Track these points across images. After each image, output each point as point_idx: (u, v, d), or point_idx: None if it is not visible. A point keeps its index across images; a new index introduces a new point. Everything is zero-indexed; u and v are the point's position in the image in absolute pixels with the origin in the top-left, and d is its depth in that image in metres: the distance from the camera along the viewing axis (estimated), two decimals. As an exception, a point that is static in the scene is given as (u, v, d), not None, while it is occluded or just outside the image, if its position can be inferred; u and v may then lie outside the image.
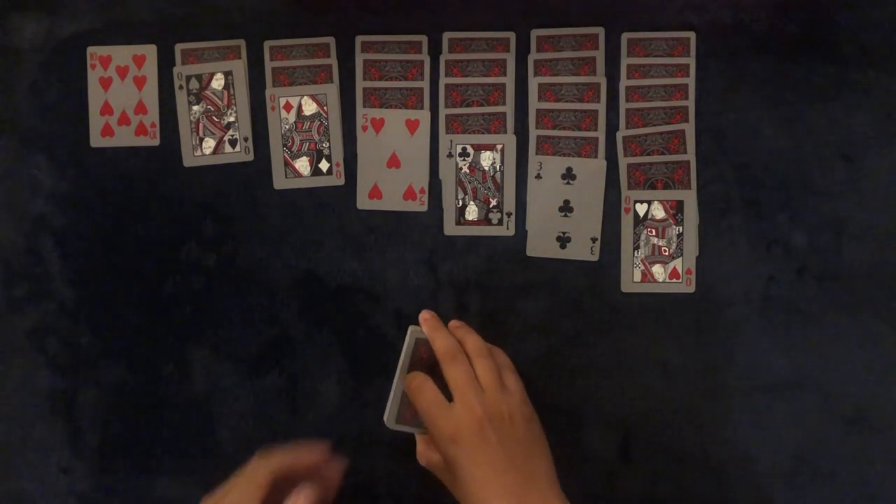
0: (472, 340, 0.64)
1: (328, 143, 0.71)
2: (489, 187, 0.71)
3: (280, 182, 0.72)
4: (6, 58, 0.72)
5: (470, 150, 0.71)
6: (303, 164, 0.71)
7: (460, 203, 0.71)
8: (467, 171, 0.70)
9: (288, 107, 0.72)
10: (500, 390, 0.61)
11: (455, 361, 0.62)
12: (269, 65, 0.72)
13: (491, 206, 0.70)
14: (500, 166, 0.70)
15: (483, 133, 0.71)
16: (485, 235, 0.70)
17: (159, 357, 0.71)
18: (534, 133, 0.71)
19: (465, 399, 0.59)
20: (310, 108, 0.72)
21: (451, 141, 0.70)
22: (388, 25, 0.72)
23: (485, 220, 0.70)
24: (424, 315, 0.65)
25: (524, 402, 0.62)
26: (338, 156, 0.71)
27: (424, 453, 0.64)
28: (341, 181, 0.71)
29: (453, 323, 0.66)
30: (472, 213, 0.71)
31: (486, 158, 0.71)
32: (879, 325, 0.69)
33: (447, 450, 0.59)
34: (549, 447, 0.61)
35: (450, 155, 0.71)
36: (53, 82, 0.72)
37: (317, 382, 0.70)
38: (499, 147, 0.70)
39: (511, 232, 0.70)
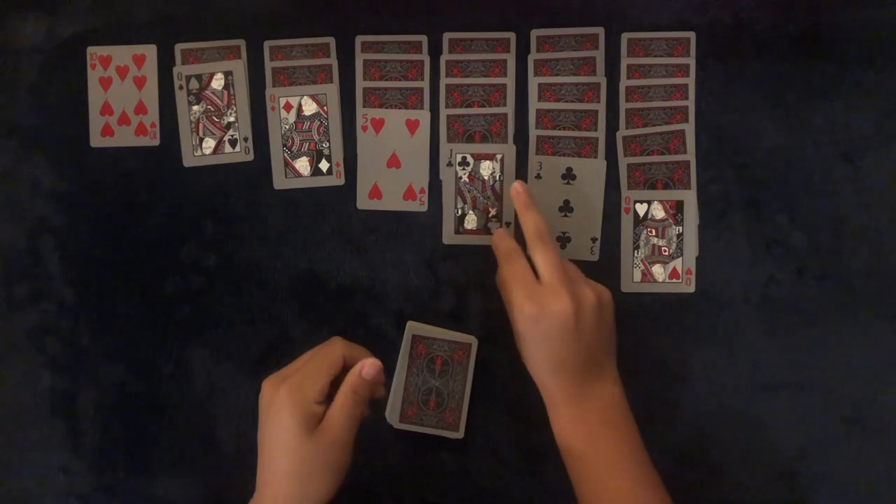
0: (532, 225, 0.64)
1: (328, 143, 0.71)
2: (489, 197, 0.71)
3: (280, 182, 0.72)
4: (6, 58, 0.72)
5: (470, 159, 0.71)
6: (303, 164, 0.71)
7: (459, 212, 0.71)
8: (467, 179, 0.70)
9: (288, 107, 0.72)
10: (585, 282, 0.63)
11: (545, 244, 0.62)
12: (268, 65, 0.72)
13: (490, 215, 0.70)
14: (499, 176, 0.70)
15: (484, 133, 0.71)
16: (484, 244, 0.70)
17: (159, 357, 0.71)
18: (534, 133, 0.71)
19: (554, 284, 0.61)
20: (310, 108, 0.72)
21: (452, 150, 0.70)
22: (388, 25, 0.72)
23: (484, 229, 0.70)
24: (517, 188, 0.65)
25: (606, 293, 0.63)
26: (338, 156, 0.71)
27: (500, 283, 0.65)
28: (341, 181, 0.71)
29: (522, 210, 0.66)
30: (470, 222, 0.70)
31: (486, 168, 0.71)
32: (879, 325, 0.69)
33: (525, 328, 0.61)
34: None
35: (449, 164, 0.70)
36: (53, 82, 0.72)
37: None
38: (498, 157, 0.70)
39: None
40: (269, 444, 0.57)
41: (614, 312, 0.64)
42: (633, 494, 0.59)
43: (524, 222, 0.64)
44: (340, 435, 0.57)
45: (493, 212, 0.70)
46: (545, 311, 0.60)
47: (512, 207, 0.70)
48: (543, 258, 0.62)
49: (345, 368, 0.60)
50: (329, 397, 0.58)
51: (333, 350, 0.60)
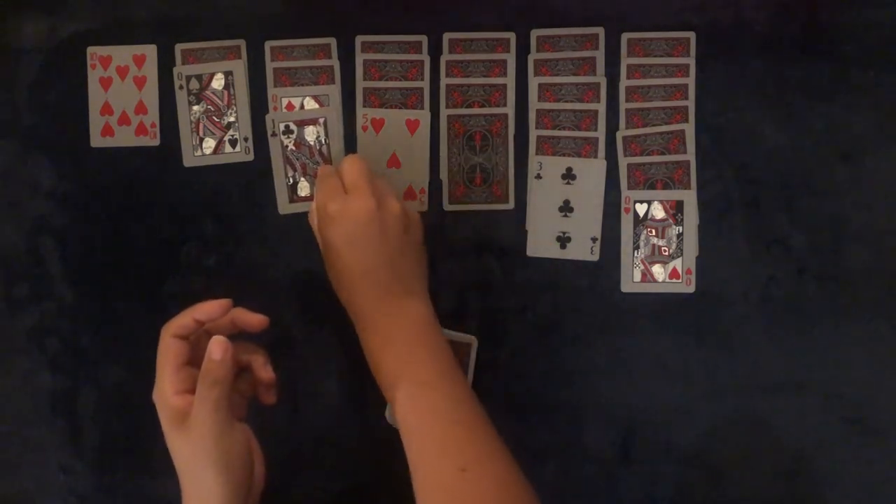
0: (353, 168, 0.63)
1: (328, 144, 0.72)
2: (318, 161, 0.70)
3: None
4: (6, 58, 0.72)
5: (293, 126, 0.70)
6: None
7: (291, 181, 0.71)
8: (293, 147, 0.70)
9: (290, 107, 0.72)
10: (393, 199, 0.62)
11: (354, 160, 0.63)
12: (270, 65, 0.72)
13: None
14: (325, 139, 0.70)
15: (485, 133, 0.71)
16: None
17: (159, 357, 0.71)
18: (534, 133, 0.71)
19: (358, 186, 0.61)
20: (311, 108, 0.72)
21: (273, 120, 0.70)
22: (388, 25, 0.72)
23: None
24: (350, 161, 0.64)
25: (402, 203, 0.63)
26: (338, 156, 0.71)
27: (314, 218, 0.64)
28: (341, 181, 0.71)
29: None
30: (303, 189, 0.70)
31: (311, 133, 0.71)
32: (879, 325, 0.69)
33: (328, 230, 0.60)
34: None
35: (273, 134, 0.70)
36: (53, 82, 0.72)
37: (317, 382, 0.70)
38: (321, 121, 0.70)
39: None
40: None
41: (424, 236, 0.64)
42: (445, 411, 0.57)
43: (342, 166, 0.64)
44: (203, 423, 0.54)
45: None
46: (347, 209, 0.59)
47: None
48: (349, 166, 0.62)
49: (202, 340, 0.57)
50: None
51: (161, 338, 0.57)
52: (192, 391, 0.55)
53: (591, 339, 0.70)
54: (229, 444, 0.55)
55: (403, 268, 0.61)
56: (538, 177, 0.71)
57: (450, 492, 0.53)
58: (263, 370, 0.60)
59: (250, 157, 0.72)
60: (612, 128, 0.71)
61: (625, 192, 0.70)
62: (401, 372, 0.58)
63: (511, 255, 0.70)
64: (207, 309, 0.57)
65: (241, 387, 0.60)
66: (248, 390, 0.60)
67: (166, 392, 0.56)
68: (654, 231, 0.70)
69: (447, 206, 0.71)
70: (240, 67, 0.72)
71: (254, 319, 0.59)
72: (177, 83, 0.72)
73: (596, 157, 0.71)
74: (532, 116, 0.71)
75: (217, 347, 0.55)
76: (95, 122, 0.72)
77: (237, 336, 0.59)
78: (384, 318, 0.60)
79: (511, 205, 0.70)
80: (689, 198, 0.70)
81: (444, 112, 0.71)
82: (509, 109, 0.71)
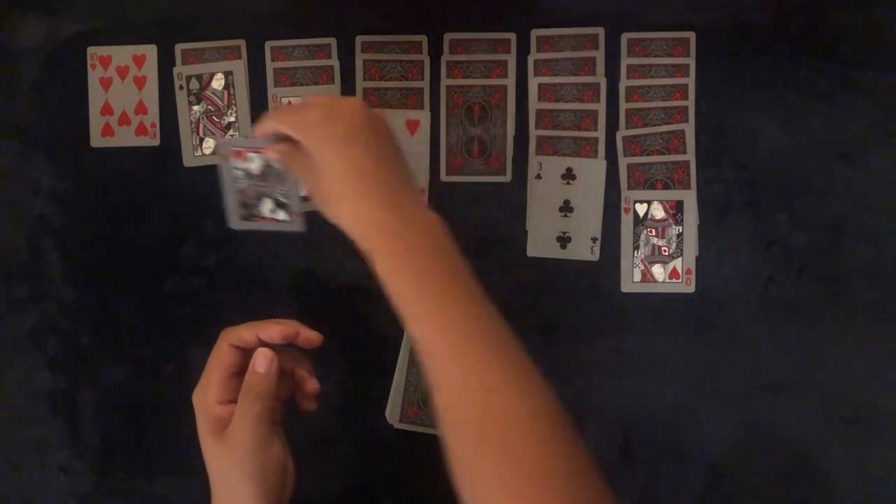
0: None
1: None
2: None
3: (280, 182, 0.72)
4: (6, 58, 0.72)
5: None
6: (303, 164, 0.71)
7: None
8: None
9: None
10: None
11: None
12: (270, 65, 0.72)
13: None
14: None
15: (483, 104, 0.71)
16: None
17: (159, 357, 0.71)
18: (534, 133, 0.71)
19: (332, 99, 0.58)
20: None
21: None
22: (388, 25, 0.72)
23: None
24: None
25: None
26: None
27: (284, 150, 0.58)
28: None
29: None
30: (303, 189, 0.70)
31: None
32: (879, 326, 0.69)
33: (321, 133, 0.54)
34: None
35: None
36: (53, 82, 0.72)
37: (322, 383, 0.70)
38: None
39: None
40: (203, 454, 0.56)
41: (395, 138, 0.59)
42: (470, 328, 0.51)
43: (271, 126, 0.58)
44: (243, 437, 0.53)
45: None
46: (335, 107, 0.55)
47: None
48: (305, 97, 0.61)
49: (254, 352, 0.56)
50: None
51: (219, 344, 0.56)
52: (236, 401, 0.54)
53: (591, 339, 0.70)
54: (267, 457, 0.54)
55: (404, 171, 0.55)
56: (538, 177, 0.71)
57: (477, 414, 0.48)
58: (309, 382, 0.58)
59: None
60: (612, 128, 0.71)
61: (625, 192, 0.70)
62: (423, 287, 0.52)
63: (511, 255, 0.70)
64: (275, 332, 0.55)
65: (280, 391, 0.58)
66: (286, 394, 0.59)
67: (210, 399, 0.55)
68: (654, 231, 0.70)
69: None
70: (240, 67, 0.72)
71: (311, 336, 0.57)
72: (177, 83, 0.72)
73: (596, 157, 0.71)
74: (532, 116, 0.71)
75: (263, 360, 0.54)
76: (95, 122, 0.72)
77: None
78: (400, 228, 0.53)
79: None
80: (689, 198, 0.70)
81: (445, 112, 0.71)
82: (509, 109, 0.71)
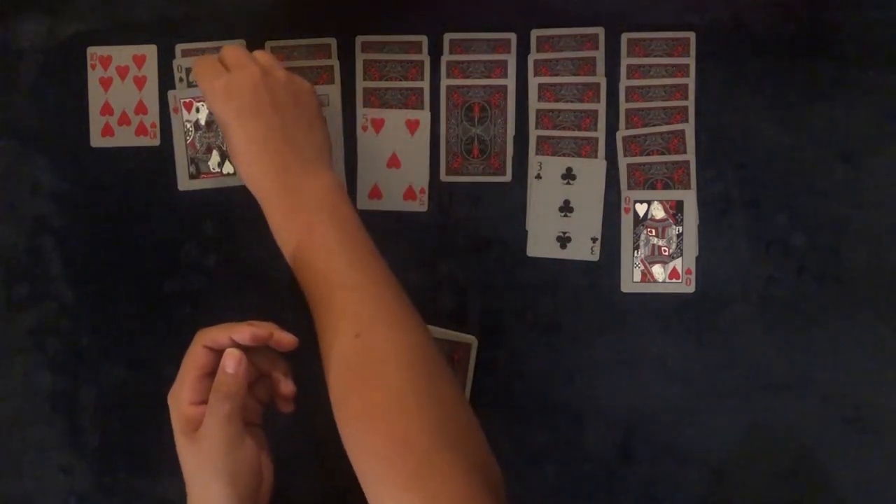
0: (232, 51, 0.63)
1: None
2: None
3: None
4: (6, 58, 0.72)
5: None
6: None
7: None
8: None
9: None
10: (278, 68, 0.62)
11: (228, 46, 0.63)
12: (269, 65, 0.72)
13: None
14: None
15: (483, 104, 0.71)
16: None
17: (159, 357, 0.71)
18: (534, 133, 0.71)
19: (239, 62, 0.61)
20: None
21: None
22: (388, 25, 0.72)
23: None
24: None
25: (300, 80, 0.63)
26: (338, 156, 0.71)
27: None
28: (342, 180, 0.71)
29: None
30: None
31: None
32: (879, 326, 0.69)
33: (220, 107, 0.60)
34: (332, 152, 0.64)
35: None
36: (53, 82, 0.72)
37: (317, 382, 0.70)
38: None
39: None
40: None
41: (319, 109, 0.63)
42: (344, 276, 0.56)
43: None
44: (213, 437, 0.54)
45: None
46: (232, 81, 0.59)
47: (340, 168, 0.70)
48: (228, 49, 0.62)
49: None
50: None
51: (192, 345, 0.56)
52: (207, 402, 0.55)
53: (591, 339, 0.70)
54: (238, 457, 0.54)
55: (299, 138, 0.60)
56: (538, 177, 0.71)
57: (345, 358, 0.53)
58: (284, 383, 0.58)
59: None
60: (612, 128, 0.71)
61: (625, 192, 0.70)
62: (301, 241, 0.57)
63: (511, 255, 0.70)
64: (248, 334, 0.56)
65: (259, 393, 0.58)
66: (265, 396, 0.59)
67: (182, 400, 0.55)
68: (654, 231, 0.70)
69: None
70: (240, 67, 0.72)
71: (284, 338, 0.57)
72: (177, 76, 0.72)
73: (596, 157, 0.71)
74: (532, 116, 0.71)
75: (231, 361, 0.54)
76: (95, 122, 0.72)
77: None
78: (284, 192, 0.59)
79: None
80: (689, 198, 0.70)
81: (444, 83, 0.71)
82: (509, 109, 0.71)
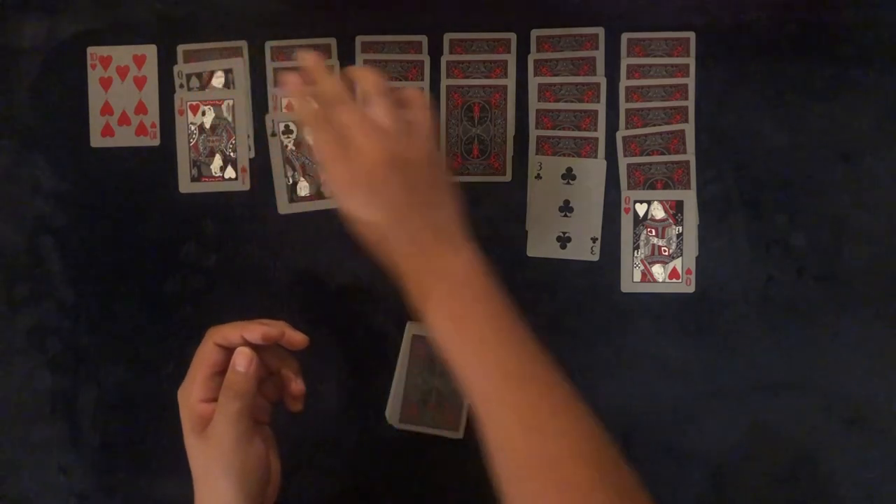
0: (371, 79, 0.56)
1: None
2: (318, 162, 0.70)
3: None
4: (6, 58, 0.72)
5: (293, 126, 0.70)
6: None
7: (290, 181, 0.71)
8: (293, 147, 0.70)
9: (290, 107, 0.72)
10: (403, 131, 0.55)
11: (344, 104, 0.55)
12: (270, 65, 0.72)
13: (322, 179, 0.70)
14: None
15: (483, 104, 0.71)
16: (320, 210, 0.70)
17: (159, 357, 0.71)
18: (534, 133, 0.71)
19: (360, 141, 0.53)
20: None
21: (273, 120, 0.70)
22: (388, 25, 0.72)
23: (317, 194, 0.70)
24: (305, 57, 0.57)
25: (430, 141, 0.56)
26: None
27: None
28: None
29: (350, 68, 0.60)
30: (303, 189, 0.70)
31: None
32: (879, 326, 0.69)
33: (344, 198, 0.54)
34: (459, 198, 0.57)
35: (273, 134, 0.70)
36: (53, 82, 0.72)
37: (317, 382, 0.70)
38: None
39: None
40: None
41: (444, 168, 0.57)
42: (511, 369, 0.51)
43: (320, 88, 0.56)
44: (222, 435, 0.53)
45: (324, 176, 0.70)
46: (357, 164, 0.53)
47: None
48: (345, 117, 0.54)
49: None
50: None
51: (203, 342, 0.56)
52: (217, 400, 0.55)
53: (591, 339, 0.70)
54: (247, 455, 0.54)
55: (431, 212, 0.54)
56: (538, 177, 0.71)
57: (516, 453, 0.49)
58: (294, 382, 0.58)
59: (251, 156, 0.72)
60: (612, 128, 0.71)
61: (625, 192, 0.70)
62: (449, 328, 0.52)
63: (511, 255, 0.70)
64: (259, 333, 0.55)
65: (268, 391, 0.58)
66: (274, 395, 0.59)
67: (192, 397, 0.55)
68: (654, 231, 0.70)
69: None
70: (239, 64, 0.72)
71: (296, 338, 0.57)
72: (177, 82, 0.72)
73: (596, 157, 0.71)
74: (532, 116, 0.71)
75: (242, 359, 0.54)
76: (95, 122, 0.72)
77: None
78: (421, 274, 0.54)
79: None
80: (689, 198, 0.70)
81: (444, 83, 0.71)
82: (509, 109, 0.71)
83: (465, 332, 0.52)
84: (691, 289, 0.70)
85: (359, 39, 0.72)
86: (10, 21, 0.72)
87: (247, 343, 0.56)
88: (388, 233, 0.54)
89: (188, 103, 0.71)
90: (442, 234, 0.55)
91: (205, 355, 0.56)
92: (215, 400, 0.55)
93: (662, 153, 0.70)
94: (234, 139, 0.71)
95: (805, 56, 0.70)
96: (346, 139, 0.54)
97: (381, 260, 0.56)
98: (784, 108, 0.70)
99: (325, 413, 0.70)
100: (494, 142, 0.70)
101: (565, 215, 0.70)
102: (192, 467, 0.55)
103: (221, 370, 0.56)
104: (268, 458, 0.56)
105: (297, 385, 0.58)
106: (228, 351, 0.56)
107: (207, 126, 0.71)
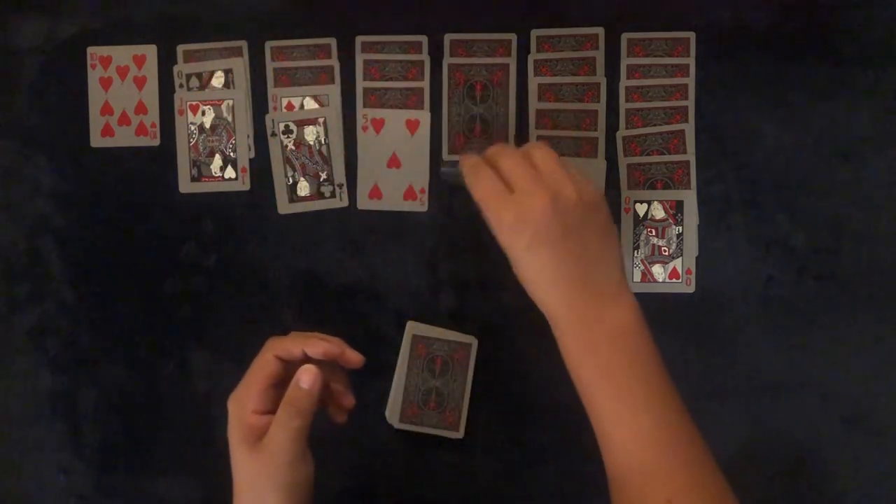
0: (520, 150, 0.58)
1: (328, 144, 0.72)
2: (317, 161, 0.70)
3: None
4: (6, 58, 0.72)
5: (293, 126, 0.70)
6: (303, 164, 0.72)
7: (290, 181, 0.71)
8: (293, 147, 0.70)
9: (290, 107, 0.72)
10: (569, 178, 0.56)
11: (506, 154, 0.57)
12: (270, 65, 0.72)
13: (321, 179, 0.70)
14: (324, 139, 0.70)
15: (485, 83, 0.71)
16: (319, 210, 0.70)
17: (159, 357, 0.71)
18: (534, 133, 0.71)
19: (526, 185, 0.55)
20: (311, 108, 0.72)
21: (273, 120, 0.70)
22: (388, 25, 0.72)
23: (317, 194, 0.70)
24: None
25: (594, 188, 0.57)
26: (338, 156, 0.71)
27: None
28: (341, 180, 0.71)
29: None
30: (303, 189, 0.70)
31: (310, 133, 0.71)
32: (879, 326, 0.69)
33: (508, 240, 0.56)
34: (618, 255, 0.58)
35: (273, 134, 0.70)
36: (53, 82, 0.72)
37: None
38: (321, 120, 0.70)
39: (345, 203, 0.70)
40: (230, 458, 0.55)
41: (610, 215, 0.58)
42: (652, 434, 0.53)
43: (487, 152, 0.59)
44: (279, 451, 0.53)
45: (323, 175, 0.70)
46: (522, 215, 0.54)
47: (342, 168, 0.70)
48: (509, 163, 0.56)
49: (297, 365, 0.55)
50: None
51: (263, 353, 0.56)
52: (274, 412, 0.54)
53: (591, 339, 0.69)
54: (300, 471, 0.54)
55: (592, 263, 0.55)
56: (538, 177, 0.70)
57: None
58: (346, 396, 0.59)
59: (251, 156, 0.72)
60: (612, 128, 0.71)
61: (625, 192, 0.70)
62: (600, 384, 0.54)
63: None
64: (321, 349, 0.55)
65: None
66: (317, 406, 0.58)
67: (246, 407, 0.54)
68: (654, 231, 0.70)
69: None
70: (239, 64, 0.72)
71: (354, 357, 0.57)
72: (177, 82, 0.72)
73: (596, 157, 0.71)
74: (532, 116, 0.71)
75: (308, 377, 0.54)
76: (95, 122, 0.72)
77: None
78: (580, 324, 0.55)
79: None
80: (689, 198, 0.70)
81: (445, 112, 0.71)
82: (510, 109, 0.71)
83: (613, 386, 0.54)
84: (691, 289, 0.70)
85: (359, 39, 0.72)
86: (10, 21, 0.72)
87: (308, 357, 0.55)
88: (548, 275, 0.55)
89: (188, 103, 0.71)
90: (602, 282, 0.56)
91: (263, 366, 0.55)
92: (269, 412, 0.54)
93: (662, 153, 0.70)
94: (234, 139, 0.71)
95: (805, 56, 0.70)
96: (511, 183, 0.56)
97: (536, 300, 0.57)
98: (784, 108, 0.70)
99: (324, 413, 0.70)
100: (496, 121, 0.69)
101: (565, 215, 0.70)
102: (237, 477, 0.55)
103: (278, 382, 0.55)
104: (314, 475, 0.56)
105: (348, 399, 0.59)
106: (287, 363, 0.55)
107: (207, 126, 0.71)
